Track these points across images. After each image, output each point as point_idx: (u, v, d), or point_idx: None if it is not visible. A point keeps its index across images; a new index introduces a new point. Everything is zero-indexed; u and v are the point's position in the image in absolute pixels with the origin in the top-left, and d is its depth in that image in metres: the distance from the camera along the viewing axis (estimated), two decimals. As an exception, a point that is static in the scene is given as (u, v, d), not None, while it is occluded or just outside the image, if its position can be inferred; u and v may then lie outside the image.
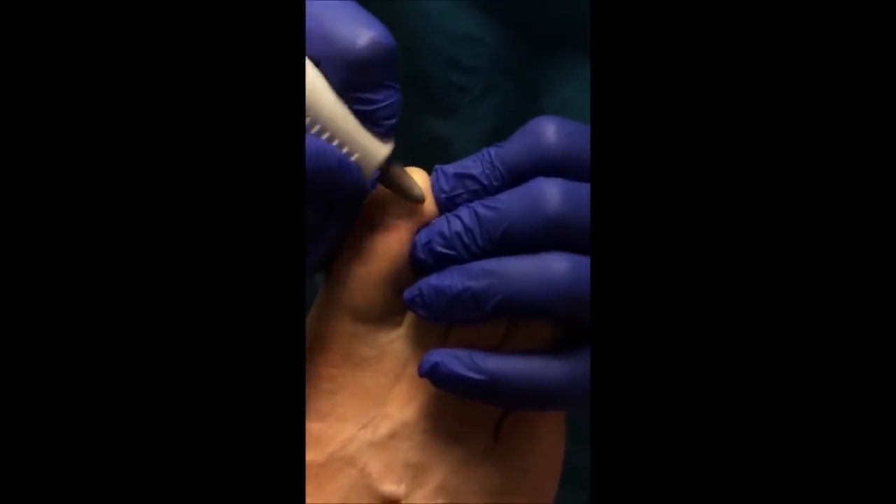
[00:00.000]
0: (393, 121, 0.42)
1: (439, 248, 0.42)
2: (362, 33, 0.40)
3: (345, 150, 0.41)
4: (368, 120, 0.41)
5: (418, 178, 0.44)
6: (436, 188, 0.44)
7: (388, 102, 0.41)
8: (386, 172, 0.43)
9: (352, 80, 0.41)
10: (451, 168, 0.44)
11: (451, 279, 0.42)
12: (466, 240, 0.42)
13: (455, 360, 0.42)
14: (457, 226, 0.42)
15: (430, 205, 0.44)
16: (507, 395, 0.42)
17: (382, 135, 0.42)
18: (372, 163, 0.42)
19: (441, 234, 0.43)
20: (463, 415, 0.44)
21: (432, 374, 0.42)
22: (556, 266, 0.41)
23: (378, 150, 0.42)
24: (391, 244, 0.43)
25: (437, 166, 0.44)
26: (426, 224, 0.43)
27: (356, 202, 0.43)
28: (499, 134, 0.55)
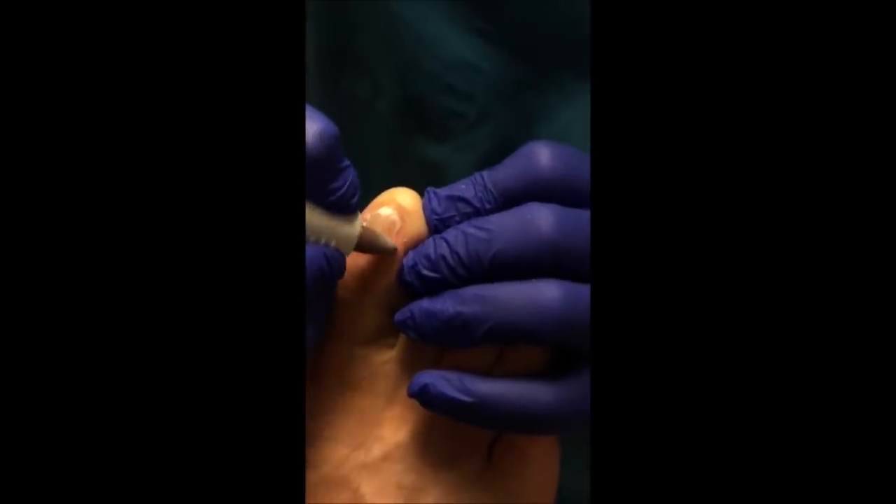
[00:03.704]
0: (357, 197, 0.42)
1: (424, 271, 0.43)
2: (307, 131, 0.40)
3: (322, 242, 0.42)
4: (336, 207, 0.42)
5: (408, 198, 0.44)
6: (427, 210, 0.44)
7: (348, 184, 0.41)
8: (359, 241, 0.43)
9: (310, 181, 0.40)
10: (443, 191, 0.44)
11: (443, 303, 0.42)
12: (452, 261, 0.42)
13: (444, 381, 0.42)
14: (443, 248, 0.42)
15: (421, 227, 0.44)
16: (496, 419, 0.42)
17: (351, 213, 0.42)
18: (350, 245, 0.43)
19: (427, 257, 0.43)
20: (456, 437, 0.44)
21: (421, 395, 0.43)
22: (549, 293, 0.41)
23: (352, 231, 0.42)
24: (382, 266, 0.44)
25: (428, 189, 0.44)
26: (415, 246, 0.43)
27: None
28: (494, 160, 0.55)
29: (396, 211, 0.44)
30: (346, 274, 0.44)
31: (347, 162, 0.41)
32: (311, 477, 0.44)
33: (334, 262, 0.42)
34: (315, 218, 0.41)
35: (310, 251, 0.41)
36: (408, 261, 0.43)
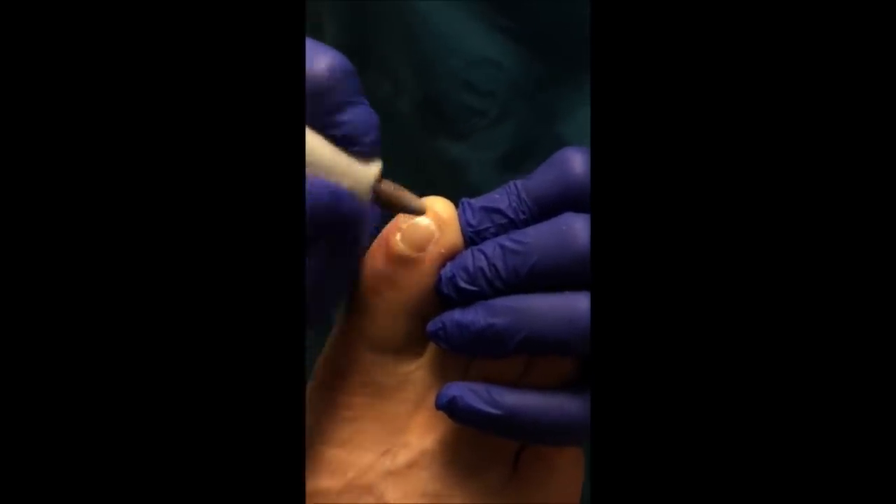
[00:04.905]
0: (372, 137, 0.41)
1: (462, 284, 0.42)
2: (316, 61, 0.40)
3: (332, 180, 0.41)
4: (347, 143, 0.41)
5: (442, 206, 0.44)
6: (463, 222, 0.43)
7: (359, 119, 0.41)
8: (378, 191, 0.42)
9: (316, 109, 0.40)
10: (477, 202, 0.44)
11: (475, 315, 0.42)
12: (490, 275, 0.42)
13: (472, 393, 0.42)
14: (481, 261, 0.42)
15: (457, 238, 0.43)
16: (524, 430, 0.43)
17: (367, 155, 0.42)
18: (363, 186, 0.41)
19: (465, 269, 0.43)
20: (482, 445, 0.44)
21: (449, 408, 0.43)
22: (581, 305, 0.41)
23: (365, 171, 0.41)
24: (414, 275, 0.43)
25: (463, 200, 0.44)
26: (452, 257, 0.43)
27: (359, 232, 0.42)
28: (515, 158, 0.55)
29: (434, 221, 0.43)
30: (376, 280, 0.44)
31: (363, 100, 0.41)
32: (337, 483, 0.44)
33: (344, 202, 0.41)
34: (327, 152, 0.41)
35: (314, 183, 0.40)
36: (445, 272, 0.43)
